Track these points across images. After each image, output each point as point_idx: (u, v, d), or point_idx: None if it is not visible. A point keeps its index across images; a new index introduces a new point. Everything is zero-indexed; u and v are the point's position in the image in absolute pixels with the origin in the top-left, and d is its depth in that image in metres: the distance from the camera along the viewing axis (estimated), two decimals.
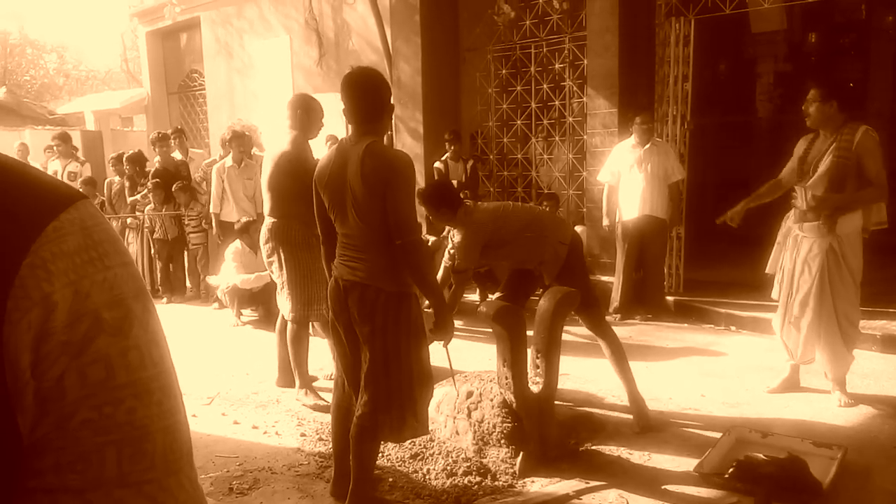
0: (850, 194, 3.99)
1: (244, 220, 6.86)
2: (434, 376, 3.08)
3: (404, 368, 2.88)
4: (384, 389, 2.87)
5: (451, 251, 4.01)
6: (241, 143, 7.34)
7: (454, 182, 7.48)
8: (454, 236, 3.94)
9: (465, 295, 7.26)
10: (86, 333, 0.58)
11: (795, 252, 4.19)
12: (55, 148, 8.94)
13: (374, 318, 2.84)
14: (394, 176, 2.74)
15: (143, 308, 0.63)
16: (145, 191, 8.06)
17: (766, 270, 4.46)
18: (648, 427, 3.87)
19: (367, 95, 2.85)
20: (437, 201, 3.82)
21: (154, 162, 8.68)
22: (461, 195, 7.04)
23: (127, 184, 8.32)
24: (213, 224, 7.40)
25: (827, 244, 4.05)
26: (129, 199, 8.28)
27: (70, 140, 9.05)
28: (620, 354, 3.98)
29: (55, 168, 8.67)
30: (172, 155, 8.31)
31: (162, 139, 8.20)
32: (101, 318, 0.59)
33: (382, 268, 2.83)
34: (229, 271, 6.72)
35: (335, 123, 9.37)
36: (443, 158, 7.55)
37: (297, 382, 4.55)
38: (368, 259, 2.84)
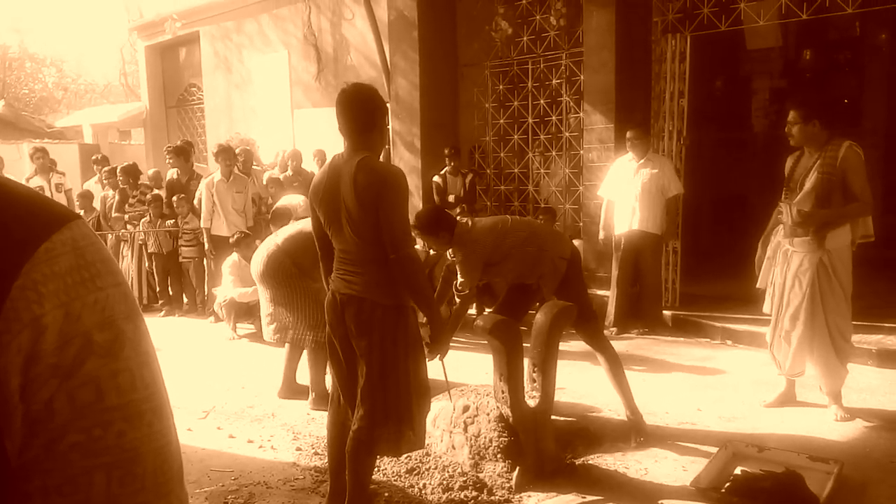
0: (836, 209, 4.02)
1: (237, 234, 6.87)
2: (431, 390, 3.08)
3: (402, 382, 2.88)
4: (381, 403, 2.87)
5: (452, 266, 3.99)
6: (227, 157, 7.36)
7: (451, 197, 7.49)
8: (453, 255, 3.93)
9: None
10: (76, 356, 0.58)
11: (786, 267, 4.21)
12: (35, 162, 8.67)
13: (371, 331, 2.84)
14: (386, 190, 2.75)
15: (134, 329, 0.63)
16: (141, 206, 8.06)
17: (757, 285, 4.49)
18: (645, 441, 3.87)
19: (360, 110, 2.85)
20: (434, 227, 3.80)
21: (151, 175, 8.67)
22: (459, 209, 7.07)
23: (117, 197, 8.23)
24: (205, 239, 7.42)
25: (817, 259, 4.08)
26: (114, 215, 8.19)
27: (47, 153, 8.83)
28: (618, 368, 3.98)
29: (40, 184, 8.56)
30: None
31: (182, 151, 8.18)
32: (92, 340, 0.59)
33: (379, 281, 2.84)
34: (226, 284, 6.72)
35: (332, 138, 9.40)
36: (441, 172, 7.58)
37: (311, 396, 4.67)
38: (365, 273, 2.85)
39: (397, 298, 2.86)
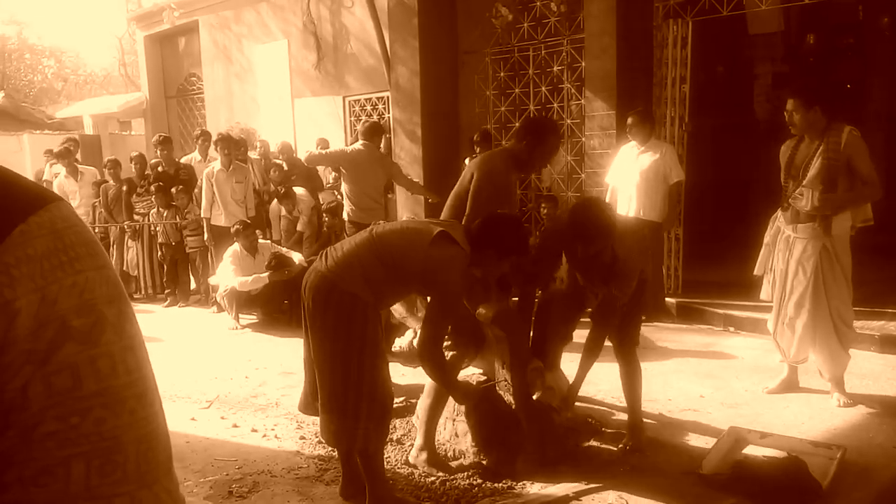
0: (851, 193, 4.02)
1: (238, 224, 6.84)
2: (390, 394, 3.00)
3: (352, 374, 2.84)
4: (329, 393, 2.90)
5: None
6: (226, 146, 7.33)
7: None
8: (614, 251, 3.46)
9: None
10: (51, 341, 0.56)
11: (788, 253, 4.20)
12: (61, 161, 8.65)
13: (326, 312, 2.84)
14: (441, 283, 2.88)
15: (117, 313, 0.60)
16: (149, 196, 8.05)
17: (755, 272, 4.47)
18: (638, 449, 3.61)
19: (483, 229, 3.03)
20: (609, 232, 3.29)
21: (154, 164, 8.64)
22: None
23: (125, 187, 8.19)
24: (205, 228, 7.40)
25: (821, 245, 4.07)
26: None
27: (76, 147, 8.85)
28: (635, 380, 3.72)
29: (57, 171, 8.57)
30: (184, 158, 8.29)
31: (165, 142, 8.18)
32: (69, 325, 0.57)
33: (351, 269, 2.85)
34: (227, 274, 6.69)
35: (331, 127, 9.38)
36: (468, 159, 7.35)
37: None
38: (343, 261, 2.87)
39: (357, 289, 2.84)
